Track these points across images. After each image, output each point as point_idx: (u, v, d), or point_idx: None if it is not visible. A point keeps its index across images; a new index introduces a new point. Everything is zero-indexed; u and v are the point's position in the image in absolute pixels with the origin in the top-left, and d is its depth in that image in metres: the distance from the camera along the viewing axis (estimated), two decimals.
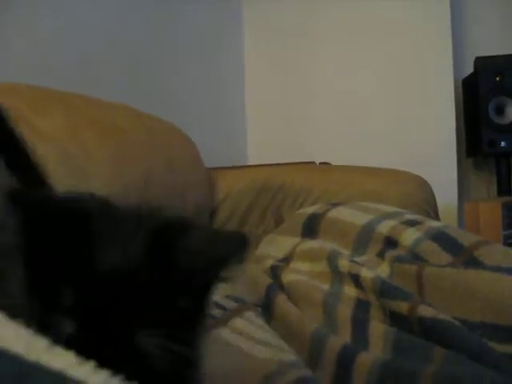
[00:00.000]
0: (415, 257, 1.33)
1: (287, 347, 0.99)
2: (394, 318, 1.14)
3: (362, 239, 1.48)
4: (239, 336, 0.98)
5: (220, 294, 1.16)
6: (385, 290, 1.19)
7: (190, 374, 0.54)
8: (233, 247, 0.54)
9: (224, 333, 0.99)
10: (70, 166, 1.35)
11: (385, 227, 1.45)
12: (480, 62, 3.09)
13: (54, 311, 0.46)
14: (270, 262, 1.49)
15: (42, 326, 0.44)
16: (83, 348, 0.43)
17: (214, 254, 0.53)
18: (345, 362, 0.99)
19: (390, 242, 1.41)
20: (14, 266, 0.49)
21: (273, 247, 1.63)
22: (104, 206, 0.55)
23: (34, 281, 0.48)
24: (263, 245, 1.70)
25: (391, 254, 1.37)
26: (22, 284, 0.48)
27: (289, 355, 0.94)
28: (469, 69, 3.16)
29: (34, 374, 0.33)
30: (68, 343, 0.42)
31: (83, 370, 0.35)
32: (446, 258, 1.30)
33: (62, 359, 0.35)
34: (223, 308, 1.08)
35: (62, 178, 1.29)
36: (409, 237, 1.38)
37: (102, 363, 0.42)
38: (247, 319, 1.06)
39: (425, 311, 1.09)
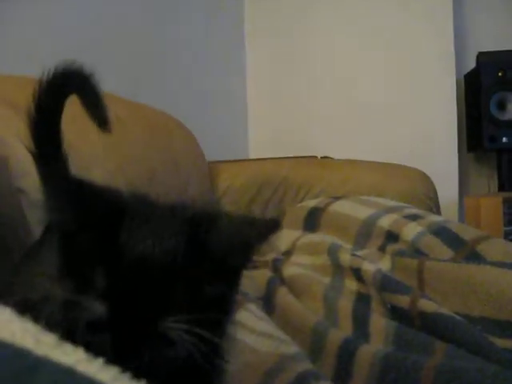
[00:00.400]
0: (416, 251, 1.33)
1: (289, 339, 0.99)
2: (395, 312, 1.14)
3: (363, 233, 1.48)
4: (241, 328, 0.99)
5: None
6: (386, 284, 1.19)
7: (216, 360, 0.56)
8: (262, 233, 0.55)
9: None
10: (73, 157, 1.34)
11: (386, 221, 1.45)
12: (482, 57, 3.08)
13: (86, 293, 0.48)
14: (271, 256, 1.50)
15: (74, 306, 0.48)
16: (112, 330, 0.48)
17: (243, 242, 0.55)
18: (346, 355, 0.99)
19: (391, 236, 1.41)
20: (52, 249, 0.53)
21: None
22: (141, 199, 0.59)
23: (69, 264, 0.51)
24: None
25: (392, 248, 1.37)
26: (58, 267, 0.51)
27: (290, 347, 0.94)
28: (471, 64, 3.16)
29: (41, 367, 0.33)
30: (98, 325, 0.48)
31: (92, 366, 0.35)
32: (447, 252, 1.30)
33: (70, 355, 0.35)
34: None
35: None
36: (410, 231, 1.39)
37: (128, 347, 0.47)
38: (249, 311, 1.06)
39: (426, 305, 1.09)
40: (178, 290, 0.51)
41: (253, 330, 0.99)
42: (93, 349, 0.42)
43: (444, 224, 1.39)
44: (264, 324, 1.03)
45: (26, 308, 0.46)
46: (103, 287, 0.49)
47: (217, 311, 0.54)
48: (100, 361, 0.35)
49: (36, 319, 0.36)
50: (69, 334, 0.44)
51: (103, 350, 0.44)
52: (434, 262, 1.24)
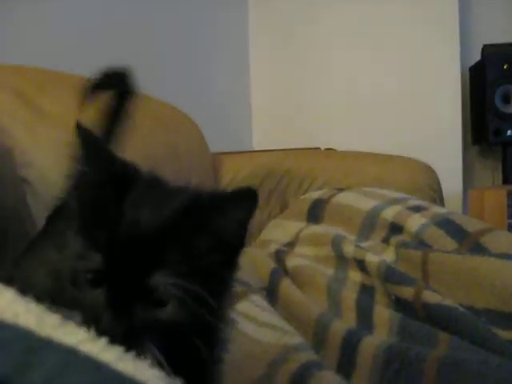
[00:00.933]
0: (420, 243, 1.33)
1: (292, 330, 0.99)
2: (399, 304, 1.14)
3: (367, 224, 1.48)
4: (245, 319, 0.99)
5: None
6: (390, 276, 1.19)
7: (210, 334, 0.61)
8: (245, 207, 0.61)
9: None
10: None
11: (390, 213, 1.45)
12: (487, 49, 3.07)
13: (90, 248, 0.55)
14: (274, 247, 1.50)
15: (81, 258, 0.55)
16: (108, 282, 0.54)
17: (238, 220, 0.61)
18: (349, 347, 0.99)
19: (395, 228, 1.41)
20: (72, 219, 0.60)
21: (277, 232, 1.63)
22: (154, 176, 0.65)
23: (81, 225, 0.58)
24: (268, 229, 1.70)
25: (396, 239, 1.37)
26: (73, 228, 0.58)
27: (294, 338, 0.94)
28: (476, 57, 3.14)
29: (44, 348, 0.33)
30: (96, 277, 0.55)
31: (95, 346, 0.35)
32: (451, 244, 1.29)
33: (73, 335, 0.35)
34: None
35: (68, 160, 1.29)
36: (414, 223, 1.38)
37: (122, 300, 0.53)
38: (252, 302, 1.07)
39: (429, 297, 1.09)
40: (172, 253, 0.56)
41: (256, 321, 1.00)
42: (90, 302, 0.54)
43: (448, 216, 1.39)
44: (267, 315, 1.03)
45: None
46: (104, 243, 0.55)
47: (212, 285, 0.58)
48: (103, 341, 0.36)
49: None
50: (74, 286, 0.56)
51: (99, 304, 0.53)
52: (438, 253, 1.23)
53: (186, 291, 0.54)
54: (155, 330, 0.55)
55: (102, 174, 0.60)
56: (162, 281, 0.55)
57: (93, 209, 0.59)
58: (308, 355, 0.89)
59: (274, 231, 1.65)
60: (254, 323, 0.99)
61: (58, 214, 0.85)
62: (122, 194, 0.59)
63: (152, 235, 0.56)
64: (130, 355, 0.36)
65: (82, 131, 0.62)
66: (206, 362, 0.61)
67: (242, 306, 1.04)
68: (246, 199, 0.61)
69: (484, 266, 1.12)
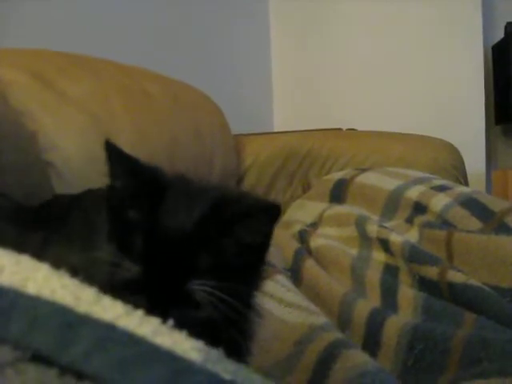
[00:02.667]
0: (444, 222, 1.33)
1: (317, 310, 0.99)
2: (424, 283, 1.14)
3: (391, 204, 1.47)
4: (270, 299, 0.99)
5: None
6: (414, 255, 1.19)
7: (243, 325, 0.66)
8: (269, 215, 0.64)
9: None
10: (98, 130, 1.35)
11: (414, 192, 1.44)
12: (511, 27, 3.03)
13: (126, 256, 0.59)
14: (298, 227, 1.50)
15: (116, 266, 0.59)
16: (146, 289, 0.58)
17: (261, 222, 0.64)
18: (374, 326, 0.99)
19: (419, 208, 1.40)
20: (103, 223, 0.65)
21: (301, 212, 1.63)
22: (181, 179, 0.69)
23: (112, 233, 0.63)
24: (291, 210, 1.70)
25: (420, 219, 1.37)
26: (101, 234, 0.64)
27: (319, 318, 0.95)
28: (499, 35, 3.10)
29: (83, 324, 0.34)
30: (134, 285, 0.58)
31: (132, 320, 0.36)
32: (475, 223, 1.29)
33: (110, 311, 0.36)
34: None
35: (90, 143, 1.30)
36: (438, 202, 1.38)
37: (159, 306, 0.55)
38: (277, 282, 1.07)
39: (455, 277, 1.09)
40: (204, 258, 0.60)
41: (281, 301, 1.00)
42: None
43: (472, 195, 1.38)
44: (292, 295, 1.03)
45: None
46: (141, 252, 0.59)
47: (242, 282, 0.62)
48: (139, 314, 0.37)
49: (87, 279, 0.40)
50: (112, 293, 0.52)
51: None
52: (463, 233, 1.23)
53: (221, 291, 0.59)
54: (191, 327, 0.56)
55: (132, 183, 0.64)
56: (197, 286, 0.59)
57: (124, 218, 0.63)
58: (335, 334, 0.89)
59: (298, 212, 1.65)
60: (279, 303, 0.99)
61: (75, 218, 0.90)
62: (154, 202, 0.62)
63: (185, 242, 0.60)
64: (167, 327, 0.37)
65: (109, 145, 0.64)
66: (241, 352, 0.65)
67: (268, 287, 1.04)
68: (269, 213, 0.64)
69: (509, 246, 1.12)
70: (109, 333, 0.34)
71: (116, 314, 0.36)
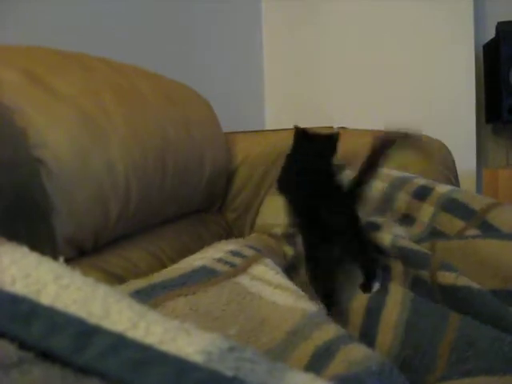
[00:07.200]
0: (432, 229, 1.37)
1: (306, 295, 0.99)
2: (415, 281, 1.15)
3: (379, 208, 1.50)
4: (259, 282, 1.00)
5: (239, 244, 1.18)
6: (405, 256, 1.20)
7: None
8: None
9: (244, 280, 1.01)
10: (90, 127, 1.35)
11: (402, 204, 1.48)
12: (502, 26, 3.04)
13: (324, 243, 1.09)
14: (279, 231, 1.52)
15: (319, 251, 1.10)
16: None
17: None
18: (369, 320, 1.01)
19: (407, 221, 1.44)
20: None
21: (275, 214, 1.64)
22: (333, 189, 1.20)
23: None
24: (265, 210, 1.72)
25: (409, 231, 1.40)
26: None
27: (308, 303, 0.95)
28: (490, 34, 3.12)
29: (96, 332, 0.38)
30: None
31: (138, 331, 0.39)
32: (458, 224, 1.32)
33: (118, 324, 0.40)
34: (243, 256, 1.10)
35: (81, 140, 1.30)
36: (425, 214, 1.44)
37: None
38: (266, 265, 1.08)
39: (444, 278, 1.09)
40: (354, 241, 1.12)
41: (270, 283, 1.01)
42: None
43: (451, 195, 1.40)
44: (281, 277, 1.04)
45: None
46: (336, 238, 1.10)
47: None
48: (143, 326, 0.40)
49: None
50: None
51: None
52: (443, 241, 1.27)
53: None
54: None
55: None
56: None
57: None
58: (336, 330, 0.88)
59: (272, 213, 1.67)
60: (268, 285, 1.00)
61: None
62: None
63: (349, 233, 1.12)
64: (174, 327, 0.41)
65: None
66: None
67: (257, 270, 1.05)
68: None
69: (486, 248, 1.15)
70: (120, 340, 0.38)
71: (124, 327, 0.39)
